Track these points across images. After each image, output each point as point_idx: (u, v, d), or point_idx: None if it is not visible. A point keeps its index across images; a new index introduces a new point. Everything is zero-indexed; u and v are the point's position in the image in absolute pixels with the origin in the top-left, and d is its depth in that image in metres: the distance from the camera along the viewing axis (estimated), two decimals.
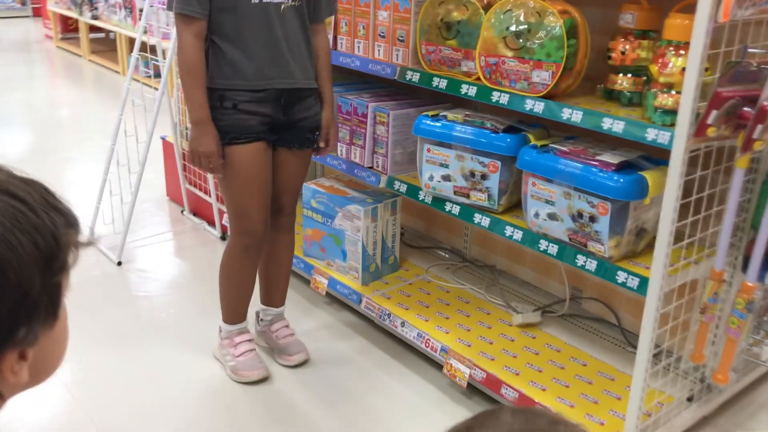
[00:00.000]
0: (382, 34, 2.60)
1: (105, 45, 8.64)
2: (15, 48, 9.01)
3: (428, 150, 2.40)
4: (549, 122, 2.15)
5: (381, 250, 2.89)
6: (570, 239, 2.07)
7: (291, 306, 2.84)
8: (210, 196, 3.68)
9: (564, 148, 2.09)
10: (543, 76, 2.06)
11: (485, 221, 2.33)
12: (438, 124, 2.36)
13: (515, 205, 2.36)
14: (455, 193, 2.39)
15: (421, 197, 2.52)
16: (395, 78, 2.54)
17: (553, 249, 2.12)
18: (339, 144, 2.84)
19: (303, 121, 2.38)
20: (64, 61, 8.49)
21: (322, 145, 2.46)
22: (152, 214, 4.05)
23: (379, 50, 2.62)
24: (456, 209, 2.42)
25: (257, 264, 2.53)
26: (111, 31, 7.94)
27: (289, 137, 2.37)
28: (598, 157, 2.01)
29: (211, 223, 3.77)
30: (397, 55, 2.56)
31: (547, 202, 2.10)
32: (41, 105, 6.62)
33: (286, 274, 2.68)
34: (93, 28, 8.23)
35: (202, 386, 2.54)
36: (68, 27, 8.96)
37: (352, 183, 3.01)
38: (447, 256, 3.18)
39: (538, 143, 2.17)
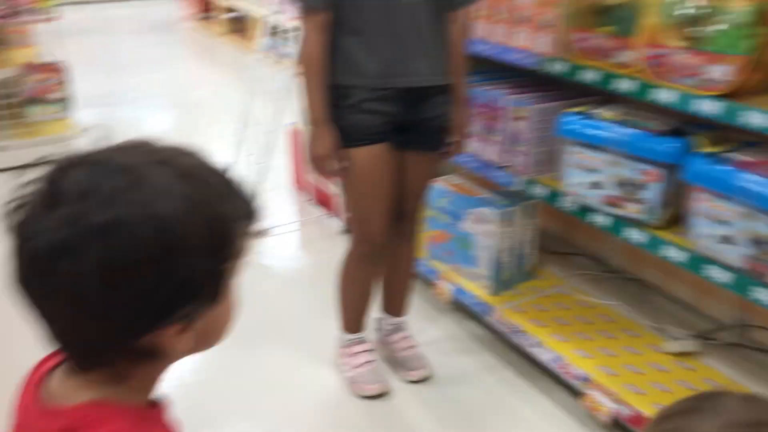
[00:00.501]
0: (523, 18, 2.31)
1: (240, 25, 8.73)
2: (156, 29, 9.30)
3: (575, 152, 2.11)
4: (727, 128, 1.80)
5: (516, 258, 2.62)
6: (748, 267, 1.73)
7: (413, 312, 2.64)
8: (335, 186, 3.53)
9: (745, 158, 1.74)
10: (722, 71, 1.72)
11: (641, 237, 2.01)
12: (588, 123, 2.06)
13: (678, 219, 2.02)
14: (605, 203, 2.08)
15: (564, 204, 2.23)
16: (537, 69, 2.25)
17: (725, 276, 1.79)
18: (472, 139, 2.58)
19: (432, 120, 2.14)
20: (200, 42, 8.67)
21: (452, 148, 2.22)
22: (279, 202, 3.96)
23: (519, 37, 2.34)
24: (606, 221, 2.11)
25: (377, 272, 2.34)
26: (244, 13, 8.00)
27: (416, 138, 2.15)
28: None
29: (337, 214, 3.63)
30: (540, 42, 2.26)
31: (721, 222, 1.76)
32: (175, 85, 6.76)
33: (407, 283, 2.47)
34: (229, 9, 8.33)
35: (318, 397, 2.40)
36: (206, 7, 9.13)
37: (484, 182, 2.75)
38: (590, 264, 2.86)
39: (711, 149, 1.82)
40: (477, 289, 2.65)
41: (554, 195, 2.26)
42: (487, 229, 2.54)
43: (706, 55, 1.73)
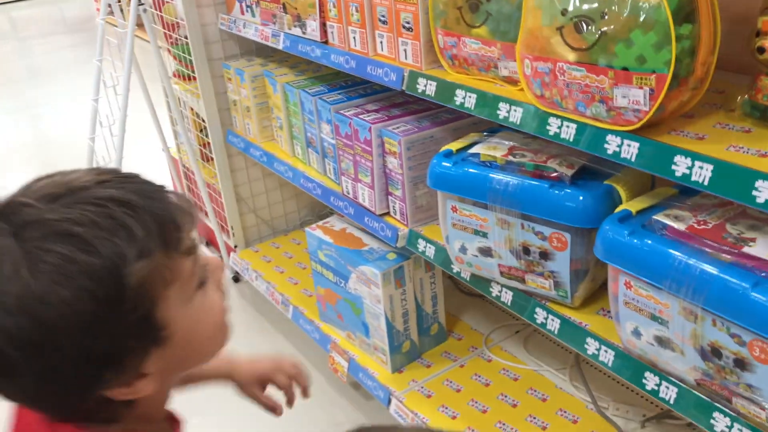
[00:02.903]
0: (383, 19, 1.69)
1: None
2: (71, 29, 8.51)
3: (454, 209, 1.51)
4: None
5: (417, 320, 2.05)
6: (699, 384, 1.16)
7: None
8: (207, 216, 2.91)
9: (681, 225, 1.15)
10: (634, 96, 1.13)
11: (554, 323, 1.44)
12: (465, 169, 1.46)
13: (602, 294, 1.45)
14: (502, 274, 1.50)
15: (455, 269, 1.65)
16: (403, 89, 1.64)
17: (671, 393, 1.22)
18: (344, 179, 1.98)
19: None
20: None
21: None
22: None
23: (381, 43, 1.73)
24: (508, 296, 1.54)
25: None
26: None
27: None
28: (747, 249, 1.07)
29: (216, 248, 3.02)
30: (404, 50, 1.65)
31: (654, 318, 1.18)
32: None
33: None
34: None
35: None
36: None
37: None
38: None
39: (633, 209, 1.24)
40: (375, 366, 2.08)
41: (445, 255, 1.67)
42: (373, 294, 1.96)
43: (610, 72, 1.14)
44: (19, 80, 6.43)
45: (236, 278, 2.94)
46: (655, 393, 1.24)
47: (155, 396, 0.80)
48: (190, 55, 2.56)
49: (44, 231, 0.67)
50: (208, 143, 2.73)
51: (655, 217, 1.19)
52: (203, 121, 2.69)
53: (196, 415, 2.02)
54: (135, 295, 0.70)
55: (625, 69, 1.12)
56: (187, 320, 0.78)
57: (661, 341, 1.19)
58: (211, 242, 3.16)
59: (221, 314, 0.85)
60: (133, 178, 0.76)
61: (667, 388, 1.22)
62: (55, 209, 0.69)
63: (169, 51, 2.85)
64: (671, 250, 1.12)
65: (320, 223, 2.20)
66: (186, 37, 2.54)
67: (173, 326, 0.76)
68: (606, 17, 1.13)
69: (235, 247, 2.87)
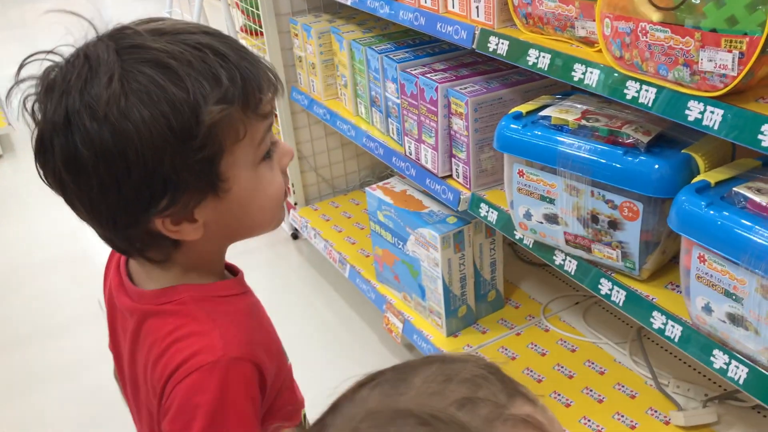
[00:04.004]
0: None
1: None
2: None
3: (520, 173, 1.47)
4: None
5: (475, 286, 2.02)
6: None
7: (361, 350, 2.08)
8: None
9: (763, 198, 1.10)
10: (721, 60, 1.06)
11: (619, 295, 1.40)
12: (534, 130, 1.42)
13: (672, 268, 1.40)
14: (568, 242, 1.46)
15: (518, 236, 1.61)
16: (473, 48, 1.60)
17: (741, 373, 1.17)
18: (407, 139, 1.95)
19: None
20: None
21: None
22: None
23: (452, 0, 1.68)
24: (572, 266, 1.50)
25: None
26: None
27: None
28: None
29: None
30: (477, 8, 1.60)
31: (728, 294, 1.13)
32: None
33: None
34: None
35: None
36: None
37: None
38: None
39: (712, 180, 1.18)
40: (430, 328, 2.07)
41: (508, 221, 1.64)
42: (431, 257, 1.94)
43: (697, 34, 1.08)
44: (90, 31, 6.54)
45: (295, 235, 2.96)
46: (723, 372, 1.20)
47: (204, 252, 0.86)
48: (258, 9, 2.55)
49: (144, 56, 0.74)
50: None
51: (735, 189, 1.13)
52: None
53: None
54: (206, 134, 0.75)
55: (713, 30, 1.06)
56: (247, 182, 0.82)
57: (734, 319, 1.14)
58: None
59: (280, 191, 0.87)
60: (234, 40, 0.82)
61: (737, 367, 1.17)
62: (158, 41, 0.76)
63: (237, 5, 2.85)
64: (752, 224, 1.06)
65: (380, 183, 2.18)
66: None
67: (233, 181, 0.80)
68: None
69: (295, 204, 2.88)
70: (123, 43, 0.76)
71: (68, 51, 0.79)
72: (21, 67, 0.80)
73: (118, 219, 0.79)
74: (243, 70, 0.78)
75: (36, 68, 0.79)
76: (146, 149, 0.73)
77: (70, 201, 0.81)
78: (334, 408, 0.53)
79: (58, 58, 0.79)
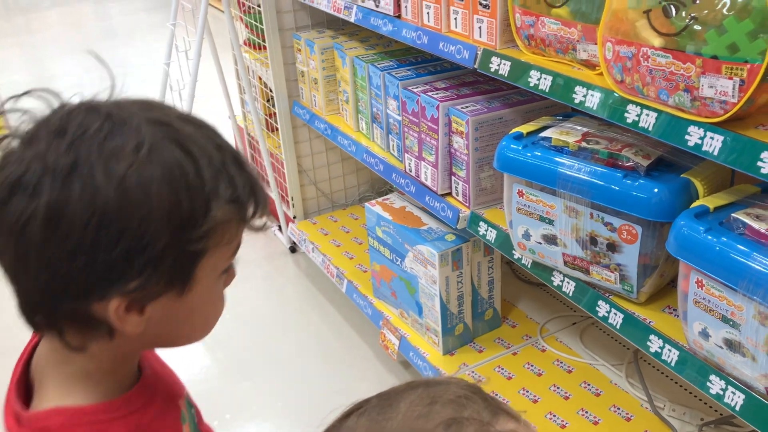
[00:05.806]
0: None
1: None
2: None
3: (520, 193, 1.48)
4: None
5: (472, 304, 2.02)
6: None
7: (357, 366, 2.07)
8: (269, 186, 2.93)
9: (762, 225, 1.10)
10: (722, 87, 1.07)
11: (616, 317, 1.40)
12: (534, 153, 1.42)
13: (669, 291, 1.40)
14: (566, 263, 1.46)
15: (516, 255, 1.61)
16: (475, 67, 1.61)
17: (737, 399, 1.17)
18: (407, 156, 1.96)
19: None
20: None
21: None
22: None
23: (455, 20, 1.69)
24: (570, 287, 1.50)
25: None
26: None
27: None
28: None
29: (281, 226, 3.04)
30: (479, 28, 1.61)
31: (726, 320, 1.13)
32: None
33: None
34: None
35: None
36: None
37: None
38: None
39: (711, 205, 1.18)
40: (426, 346, 2.06)
41: (507, 240, 1.64)
42: (429, 274, 1.94)
43: (697, 60, 1.09)
44: (95, 40, 6.57)
45: (293, 249, 2.96)
46: (719, 398, 1.20)
47: (121, 353, 0.80)
48: (261, 23, 2.56)
49: (173, 135, 0.73)
50: (274, 113, 2.74)
51: (734, 214, 1.13)
52: (270, 90, 2.70)
53: (246, 380, 2.05)
54: (207, 230, 0.73)
55: (714, 57, 1.06)
56: (206, 289, 0.79)
57: (731, 344, 1.14)
58: (270, 212, 3.18)
59: (222, 310, 0.84)
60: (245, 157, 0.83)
61: (734, 393, 1.17)
62: (185, 127, 0.75)
63: (241, 19, 2.86)
64: (750, 251, 1.06)
65: (380, 199, 2.19)
66: (259, 6, 2.55)
67: (198, 284, 0.77)
68: (698, 1, 1.07)
69: (294, 217, 2.88)
70: (151, 116, 0.74)
71: (68, 91, 0.76)
72: (21, 95, 0.76)
73: (71, 287, 0.71)
74: (253, 183, 0.78)
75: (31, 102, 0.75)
76: (150, 224, 0.70)
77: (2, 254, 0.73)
78: None
79: (54, 100, 0.75)
